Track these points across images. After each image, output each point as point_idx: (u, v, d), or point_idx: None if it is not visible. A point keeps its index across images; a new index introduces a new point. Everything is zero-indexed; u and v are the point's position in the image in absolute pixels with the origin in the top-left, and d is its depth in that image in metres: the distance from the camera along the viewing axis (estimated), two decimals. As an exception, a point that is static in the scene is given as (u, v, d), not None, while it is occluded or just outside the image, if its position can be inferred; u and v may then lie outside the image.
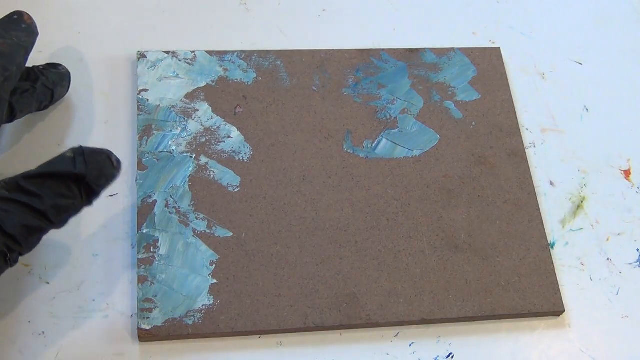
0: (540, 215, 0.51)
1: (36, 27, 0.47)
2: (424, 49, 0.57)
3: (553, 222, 0.53)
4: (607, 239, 0.53)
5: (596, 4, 0.64)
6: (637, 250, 0.53)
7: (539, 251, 0.50)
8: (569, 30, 0.62)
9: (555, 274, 0.49)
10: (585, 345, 0.49)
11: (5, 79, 0.44)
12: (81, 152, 0.40)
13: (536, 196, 0.52)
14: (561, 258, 0.51)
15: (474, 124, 0.54)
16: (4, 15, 0.47)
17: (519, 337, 0.48)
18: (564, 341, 0.49)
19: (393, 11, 0.60)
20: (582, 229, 0.53)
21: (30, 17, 0.47)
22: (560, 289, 0.49)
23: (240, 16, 0.57)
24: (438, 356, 0.47)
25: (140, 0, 0.57)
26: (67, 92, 0.51)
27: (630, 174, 0.55)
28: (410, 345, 0.47)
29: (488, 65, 0.57)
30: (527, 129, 0.56)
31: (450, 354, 0.47)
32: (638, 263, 0.52)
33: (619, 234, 0.53)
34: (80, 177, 0.40)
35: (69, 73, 0.51)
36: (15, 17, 0.47)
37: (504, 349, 0.48)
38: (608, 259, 0.52)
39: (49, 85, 0.48)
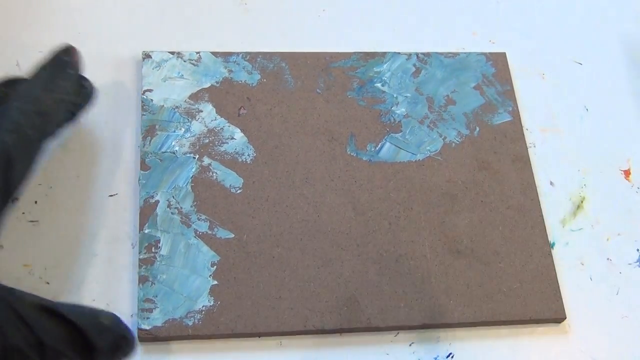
0: (544, 222, 0.51)
1: (82, 68, 0.45)
2: (429, 52, 0.57)
3: (553, 222, 0.52)
4: (607, 239, 0.52)
5: (596, 4, 0.63)
6: (637, 250, 0.52)
7: (541, 258, 0.50)
8: (569, 30, 0.62)
9: (557, 281, 0.49)
10: (585, 345, 0.49)
11: (42, 138, 0.42)
12: (110, 329, 0.38)
13: (539, 202, 0.52)
14: (561, 258, 0.51)
15: (478, 128, 0.54)
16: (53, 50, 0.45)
17: (519, 337, 0.48)
18: (563, 341, 0.49)
19: (392, 12, 0.60)
20: (582, 229, 0.53)
21: (77, 56, 0.45)
22: (560, 289, 0.49)
23: (240, 16, 0.57)
24: (438, 356, 0.47)
25: (145, 0, 0.57)
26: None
27: (630, 173, 0.55)
28: (410, 345, 0.47)
29: (493, 70, 0.57)
30: (527, 129, 0.56)
31: (450, 353, 0.47)
32: (638, 263, 0.52)
33: (619, 234, 0.53)
34: (92, 348, 0.37)
35: (93, 89, 0.48)
36: (66, 58, 0.44)
37: (504, 349, 0.48)
38: (608, 259, 0.52)
39: (74, 110, 0.46)
